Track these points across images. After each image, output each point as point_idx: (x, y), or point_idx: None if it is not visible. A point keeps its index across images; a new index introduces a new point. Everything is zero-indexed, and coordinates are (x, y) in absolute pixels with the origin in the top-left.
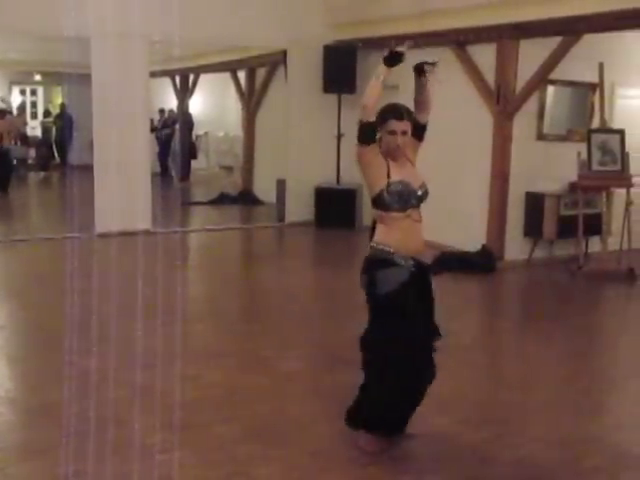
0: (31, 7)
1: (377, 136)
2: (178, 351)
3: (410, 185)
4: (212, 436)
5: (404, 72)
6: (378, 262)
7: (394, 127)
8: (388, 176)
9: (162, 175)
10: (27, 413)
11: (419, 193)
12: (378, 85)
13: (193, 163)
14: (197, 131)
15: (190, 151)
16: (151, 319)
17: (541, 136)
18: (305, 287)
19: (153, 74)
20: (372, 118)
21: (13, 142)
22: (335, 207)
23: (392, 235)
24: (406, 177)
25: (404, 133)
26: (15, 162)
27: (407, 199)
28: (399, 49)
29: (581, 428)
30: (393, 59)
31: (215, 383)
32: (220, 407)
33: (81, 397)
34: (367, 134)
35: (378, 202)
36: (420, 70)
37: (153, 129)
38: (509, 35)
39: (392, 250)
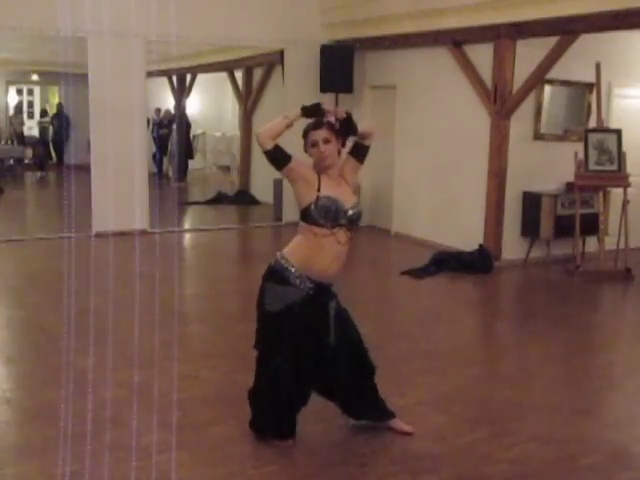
0: (28, 6)
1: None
2: (175, 351)
3: (339, 202)
4: (209, 436)
5: (402, 73)
6: (275, 276)
7: (315, 137)
8: (318, 190)
9: (159, 175)
10: (24, 413)
11: (350, 212)
12: (283, 125)
13: (190, 163)
14: (194, 131)
15: (187, 151)
16: (148, 319)
17: (538, 136)
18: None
19: (150, 74)
20: (270, 145)
21: None
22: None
23: (302, 252)
24: (338, 194)
25: (327, 141)
26: (11, 162)
27: (335, 216)
28: (325, 109)
29: (578, 427)
30: (312, 112)
31: (212, 383)
32: (217, 407)
33: (78, 397)
34: (277, 159)
35: (305, 215)
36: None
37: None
38: (506, 35)
39: (292, 268)
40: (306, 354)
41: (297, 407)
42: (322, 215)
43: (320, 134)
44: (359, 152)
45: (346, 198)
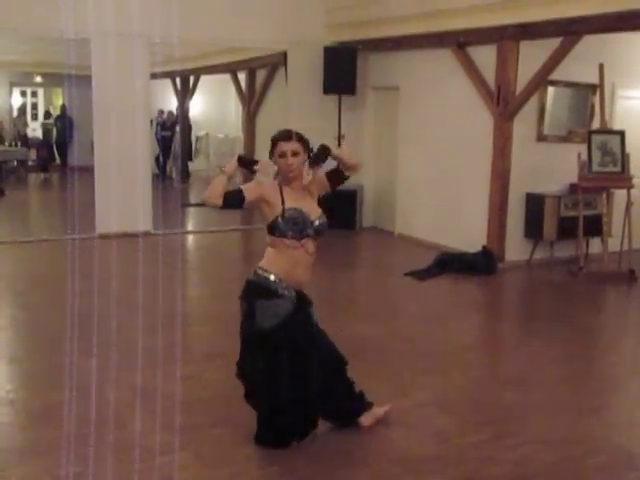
0: (31, 8)
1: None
2: (178, 352)
3: (305, 213)
4: (212, 437)
5: (405, 74)
6: (260, 290)
7: (284, 148)
8: (283, 202)
9: (162, 177)
10: (28, 414)
11: (316, 223)
12: (223, 181)
13: (193, 165)
14: (197, 132)
15: (188, 153)
16: (151, 320)
17: (541, 137)
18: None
19: (153, 75)
20: (219, 201)
21: None
22: (335, 208)
23: (279, 263)
24: (302, 206)
25: (295, 154)
26: (15, 163)
27: (302, 227)
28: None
29: (582, 428)
30: (248, 163)
31: (215, 384)
32: (220, 408)
33: (82, 398)
34: (232, 204)
35: (273, 228)
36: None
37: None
38: (509, 36)
39: (272, 276)
40: (306, 362)
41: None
42: (290, 227)
43: (289, 146)
44: (336, 179)
45: (311, 209)
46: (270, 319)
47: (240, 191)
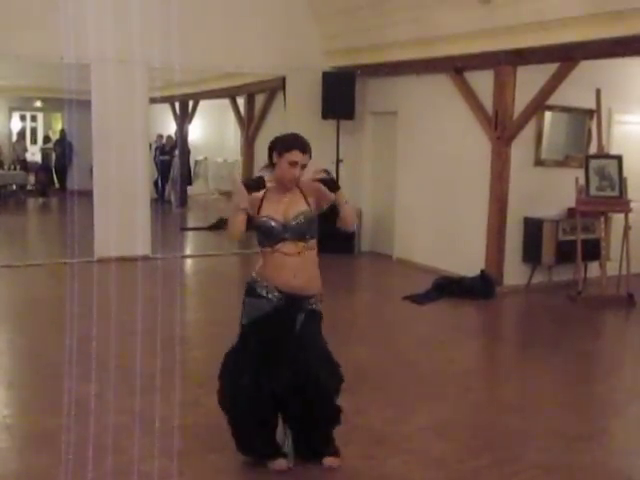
0: (32, 33)
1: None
2: (177, 377)
3: (275, 219)
4: (210, 463)
5: (403, 99)
6: (249, 289)
7: (296, 158)
8: (257, 213)
9: (161, 201)
10: (25, 439)
11: (293, 223)
12: (242, 215)
13: (192, 189)
14: (196, 157)
15: (187, 177)
16: (150, 345)
17: (539, 162)
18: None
19: (153, 100)
20: (241, 234)
21: None
22: (333, 233)
23: (263, 268)
24: (277, 209)
25: (304, 167)
26: (14, 187)
27: (276, 233)
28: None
29: (582, 454)
30: (256, 186)
31: (213, 409)
32: (218, 434)
33: (79, 423)
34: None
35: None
36: (329, 185)
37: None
38: (507, 61)
39: (260, 280)
40: (271, 364)
41: (270, 422)
42: (264, 236)
43: (303, 159)
44: (331, 214)
45: (290, 210)
46: (247, 315)
47: (247, 215)
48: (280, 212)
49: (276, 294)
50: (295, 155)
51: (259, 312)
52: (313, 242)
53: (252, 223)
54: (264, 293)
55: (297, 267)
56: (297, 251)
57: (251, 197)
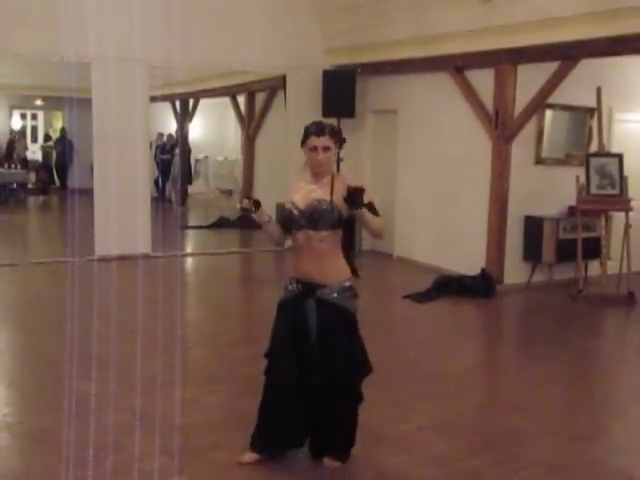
0: (32, 32)
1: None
2: (177, 375)
3: (297, 206)
4: (211, 461)
5: (403, 97)
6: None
7: (314, 143)
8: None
9: (161, 199)
10: (25, 438)
11: (307, 210)
12: (273, 226)
13: (192, 187)
14: (197, 155)
15: (187, 176)
16: (150, 343)
17: (540, 160)
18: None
19: (153, 99)
20: (286, 235)
21: None
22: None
23: (293, 257)
24: (301, 198)
25: (326, 149)
26: (15, 186)
27: (292, 219)
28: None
29: (582, 452)
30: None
31: (214, 408)
32: (219, 432)
33: (80, 422)
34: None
35: None
36: (353, 204)
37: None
38: (507, 60)
39: (291, 275)
40: (287, 350)
41: (289, 412)
42: (288, 221)
43: (321, 142)
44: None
45: (310, 196)
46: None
47: (282, 211)
48: (303, 200)
49: (295, 285)
50: (312, 140)
51: (282, 297)
52: (327, 234)
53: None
54: (288, 284)
55: (308, 255)
56: (308, 240)
57: (293, 186)
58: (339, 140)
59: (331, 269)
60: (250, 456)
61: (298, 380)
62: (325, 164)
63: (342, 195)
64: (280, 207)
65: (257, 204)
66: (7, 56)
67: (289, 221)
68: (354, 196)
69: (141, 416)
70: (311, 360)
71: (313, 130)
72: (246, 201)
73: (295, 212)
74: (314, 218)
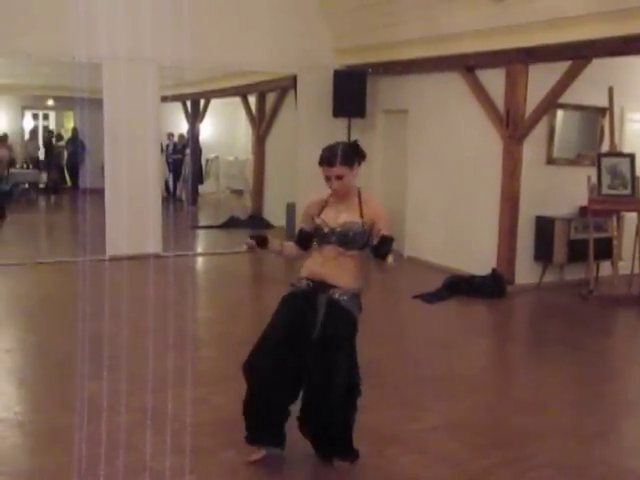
0: (43, 33)
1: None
2: (187, 375)
3: (327, 224)
4: (221, 460)
5: (414, 97)
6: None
7: (327, 173)
8: (318, 215)
9: (172, 199)
10: (36, 437)
11: (338, 230)
12: (290, 248)
13: (203, 187)
14: (208, 155)
15: (198, 176)
16: (161, 343)
17: (551, 160)
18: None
19: (164, 99)
20: (302, 253)
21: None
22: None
23: (305, 262)
24: (330, 217)
25: (339, 178)
26: (26, 186)
27: (322, 235)
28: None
29: (593, 453)
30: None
31: (224, 407)
32: (229, 431)
33: (91, 421)
34: (307, 243)
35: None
36: (380, 253)
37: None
38: (518, 59)
39: (301, 274)
40: (292, 345)
41: (279, 408)
42: (316, 235)
43: (333, 172)
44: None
45: (341, 216)
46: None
47: (301, 231)
48: (334, 218)
49: (304, 283)
50: (325, 171)
51: (289, 290)
52: (352, 253)
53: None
54: (296, 282)
55: (327, 261)
56: (334, 256)
57: (310, 207)
58: (357, 159)
59: (347, 275)
60: (256, 454)
61: (275, 369)
62: (341, 191)
63: (372, 218)
64: (292, 214)
65: (262, 241)
66: (19, 56)
67: (317, 236)
68: (384, 246)
69: (152, 415)
70: (308, 354)
71: (325, 159)
72: (250, 241)
73: (325, 229)
74: (347, 240)
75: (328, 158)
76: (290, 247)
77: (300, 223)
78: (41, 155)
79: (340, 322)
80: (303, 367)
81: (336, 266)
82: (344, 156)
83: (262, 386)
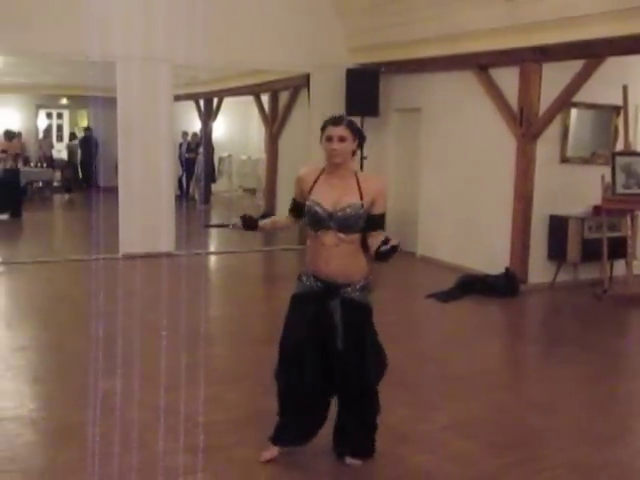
0: (58, 32)
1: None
2: (201, 373)
3: (322, 206)
4: (234, 458)
5: (427, 96)
6: (300, 274)
7: (330, 132)
8: (309, 192)
9: (185, 198)
10: (50, 434)
11: (339, 214)
12: (268, 225)
13: (216, 186)
14: (220, 154)
15: (211, 175)
16: (174, 341)
17: (565, 159)
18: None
19: (177, 98)
20: (292, 221)
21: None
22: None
23: (307, 252)
24: (326, 197)
25: (342, 139)
26: (40, 184)
27: (318, 220)
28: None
29: (607, 453)
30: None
31: (237, 405)
32: (242, 429)
33: (104, 419)
34: (299, 212)
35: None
36: (382, 259)
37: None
38: (532, 58)
39: (306, 268)
40: (307, 351)
41: (308, 409)
42: (309, 218)
43: (337, 131)
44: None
45: (339, 200)
46: (293, 292)
47: (294, 200)
48: (330, 199)
49: (313, 281)
50: (328, 130)
51: (299, 290)
52: (354, 236)
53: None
54: (304, 279)
55: (332, 256)
56: (335, 243)
57: (302, 179)
58: (358, 136)
59: (355, 268)
60: (271, 452)
61: (315, 382)
62: (341, 154)
63: (373, 196)
64: (309, 202)
65: (251, 224)
66: (34, 55)
67: (312, 221)
68: (388, 254)
69: (165, 413)
70: (337, 361)
71: (330, 120)
72: (237, 224)
73: (320, 212)
74: (348, 224)
75: (334, 118)
76: (282, 222)
77: (294, 195)
78: (55, 154)
79: (361, 320)
80: (328, 371)
81: (342, 260)
82: (350, 122)
83: (293, 397)
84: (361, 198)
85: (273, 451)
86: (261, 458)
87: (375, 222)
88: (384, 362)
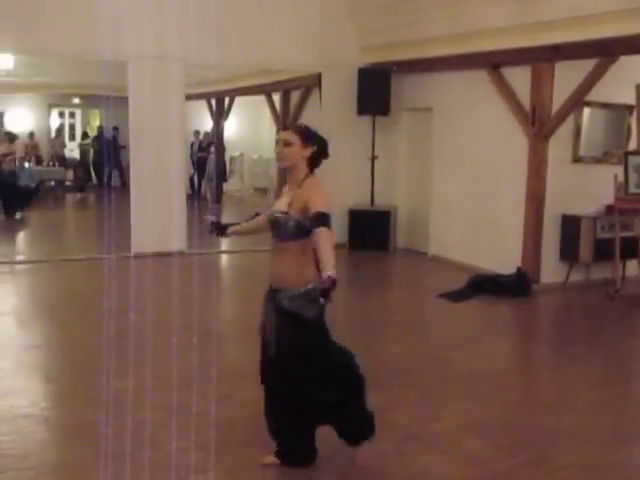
0: (70, 31)
1: None
2: (212, 372)
3: (271, 210)
4: (245, 457)
5: (438, 95)
6: None
7: (277, 136)
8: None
9: (196, 197)
10: (62, 432)
11: (272, 220)
12: (249, 228)
13: (227, 185)
14: (232, 153)
15: (222, 174)
16: (186, 339)
17: (577, 158)
18: (336, 308)
19: (189, 97)
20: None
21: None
22: (369, 229)
23: None
24: (277, 202)
25: (287, 144)
26: (53, 183)
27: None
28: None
29: (619, 454)
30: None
31: (249, 403)
32: (254, 428)
33: (116, 417)
34: None
35: None
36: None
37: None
38: (544, 57)
39: None
40: (262, 355)
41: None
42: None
43: (282, 135)
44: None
45: (276, 205)
46: None
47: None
48: (276, 206)
49: (267, 288)
50: (277, 134)
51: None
52: (291, 243)
53: None
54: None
55: (274, 261)
56: (278, 248)
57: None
58: (314, 142)
59: (292, 276)
60: (272, 459)
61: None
62: (286, 159)
63: (302, 204)
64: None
65: (218, 227)
66: (46, 55)
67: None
68: (313, 221)
69: (177, 412)
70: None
71: (282, 126)
72: (208, 223)
73: (266, 217)
74: (279, 231)
75: (285, 125)
76: (254, 224)
77: None
78: (67, 153)
79: (286, 326)
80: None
81: (281, 266)
82: (300, 127)
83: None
84: (289, 206)
85: (274, 459)
86: (262, 462)
87: (311, 222)
88: (344, 364)
